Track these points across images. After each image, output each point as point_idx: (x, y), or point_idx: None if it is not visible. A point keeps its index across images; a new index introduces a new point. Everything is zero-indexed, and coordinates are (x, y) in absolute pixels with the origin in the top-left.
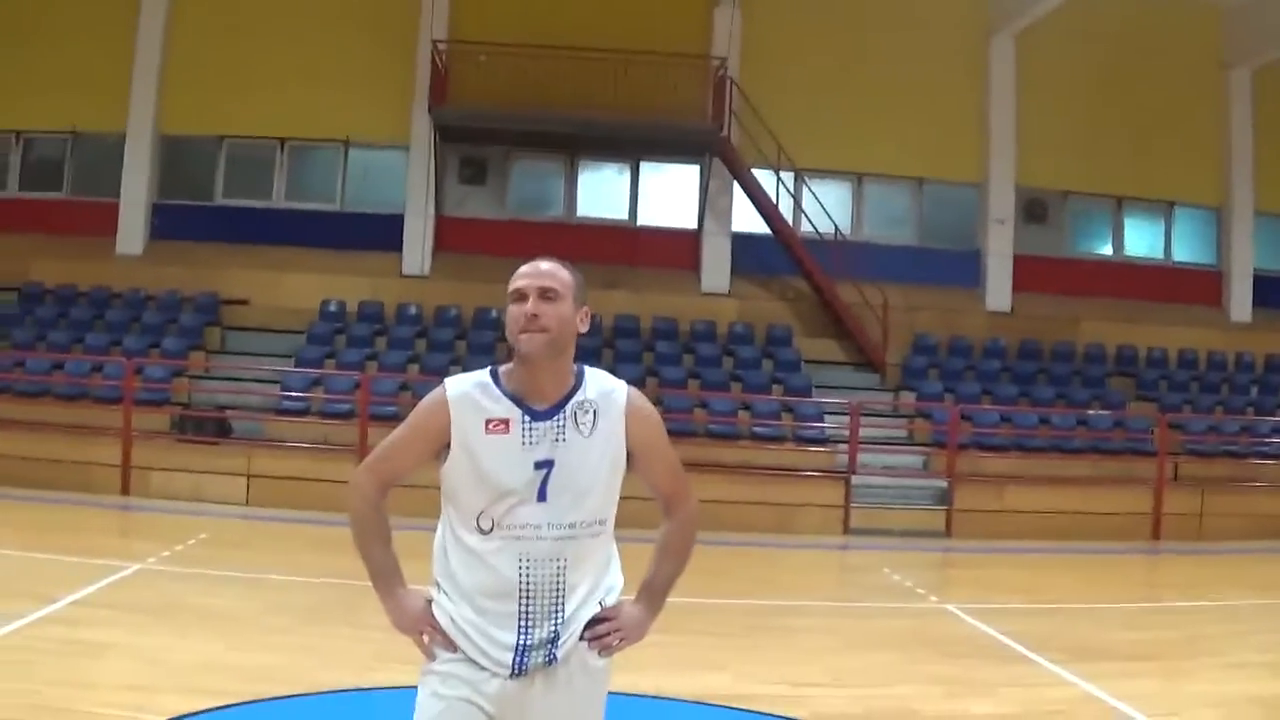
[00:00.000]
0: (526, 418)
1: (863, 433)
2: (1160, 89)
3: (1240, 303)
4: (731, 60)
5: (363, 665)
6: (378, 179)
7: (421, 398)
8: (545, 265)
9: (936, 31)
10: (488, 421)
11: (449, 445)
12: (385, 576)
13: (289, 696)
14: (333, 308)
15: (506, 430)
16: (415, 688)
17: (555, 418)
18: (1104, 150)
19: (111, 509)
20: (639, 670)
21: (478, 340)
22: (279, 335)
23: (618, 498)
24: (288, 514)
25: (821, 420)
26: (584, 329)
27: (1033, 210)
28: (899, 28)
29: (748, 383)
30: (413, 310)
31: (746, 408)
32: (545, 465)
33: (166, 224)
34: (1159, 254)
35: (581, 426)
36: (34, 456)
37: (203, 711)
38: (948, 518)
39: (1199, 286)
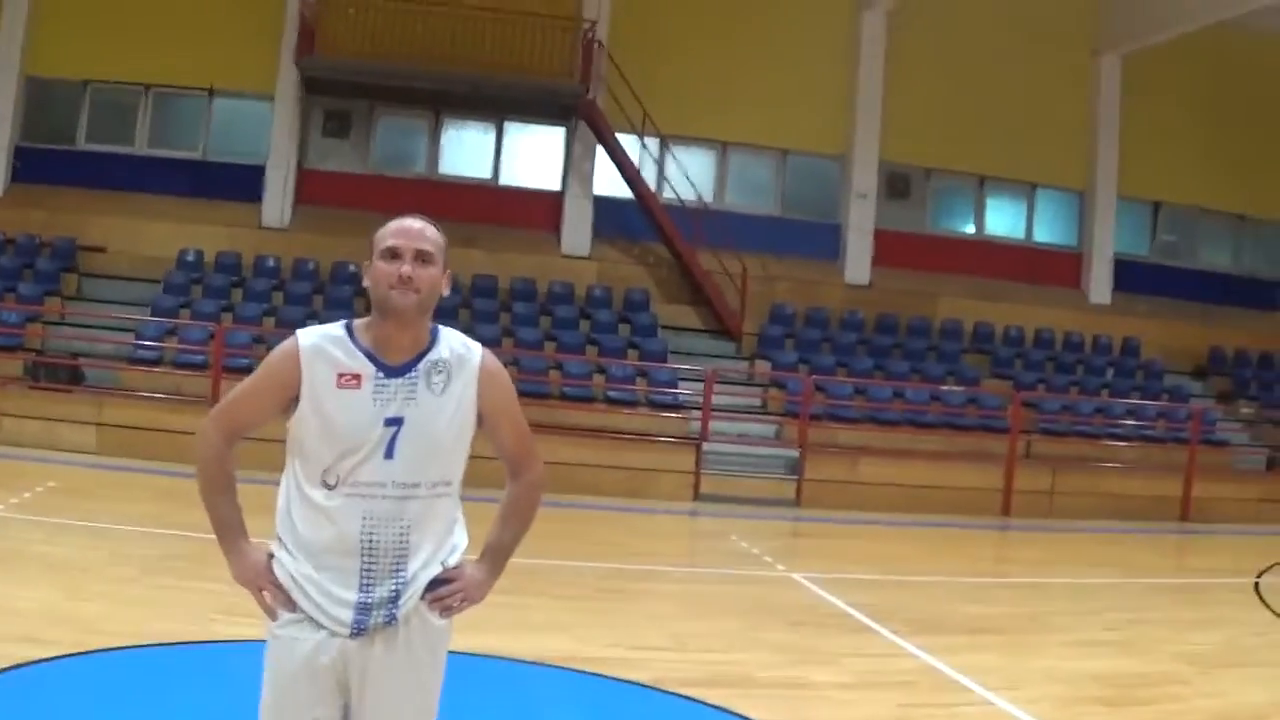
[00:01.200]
0: (380, 374)
1: (716, 400)
2: (1030, 71)
3: (1100, 285)
4: (601, 23)
5: (204, 617)
6: (241, 129)
7: (272, 348)
8: (418, 224)
9: (808, 4)
10: (340, 375)
11: (298, 398)
12: (228, 529)
13: (128, 647)
14: (190, 257)
15: (358, 385)
16: (257, 641)
17: (408, 375)
18: (970, 129)
19: None
20: (481, 630)
21: (335, 295)
22: (136, 284)
23: (465, 459)
24: (137, 464)
25: (676, 386)
26: (447, 292)
27: (895, 185)
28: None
29: (604, 346)
30: (271, 263)
31: (602, 371)
32: (395, 423)
33: (28, 167)
34: (1020, 234)
35: (434, 386)
36: None
37: (41, 660)
38: (798, 487)
39: (1059, 268)
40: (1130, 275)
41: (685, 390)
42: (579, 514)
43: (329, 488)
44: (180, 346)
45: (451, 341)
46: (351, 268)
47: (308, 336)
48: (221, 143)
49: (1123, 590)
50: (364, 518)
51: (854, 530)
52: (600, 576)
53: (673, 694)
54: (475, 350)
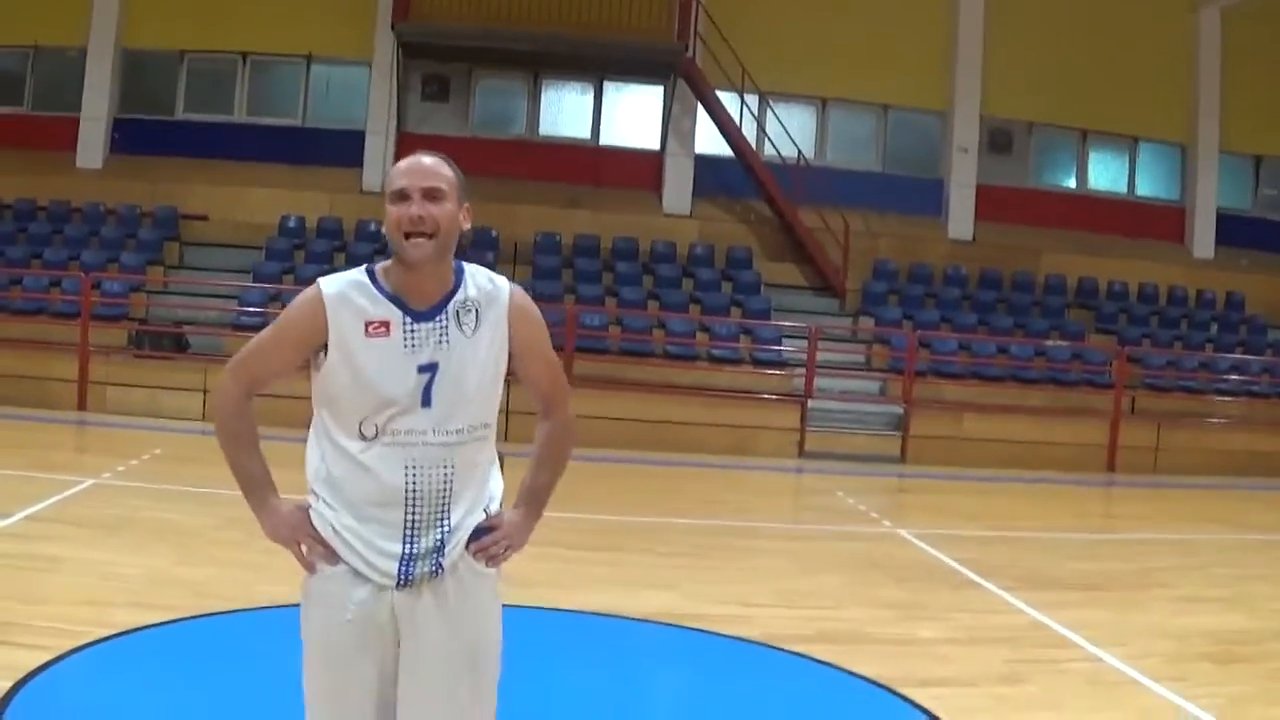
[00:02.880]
0: (408, 319)
1: (820, 357)
2: (1130, 24)
3: (1203, 239)
4: None
5: None
6: (340, 95)
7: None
8: (428, 161)
9: None
10: (367, 324)
11: (324, 349)
12: (255, 484)
13: (237, 610)
14: (292, 223)
15: (387, 333)
16: None
17: (438, 318)
18: (1071, 83)
19: (68, 424)
20: (590, 589)
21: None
22: (238, 251)
23: (499, 400)
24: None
25: (780, 344)
26: (467, 226)
27: (997, 140)
28: None
29: (707, 305)
30: (372, 227)
31: (705, 329)
32: (429, 369)
33: (127, 139)
34: (1122, 188)
35: (464, 327)
36: None
37: (154, 625)
38: (903, 443)
39: (1162, 222)
40: (1233, 229)
41: (789, 348)
42: (684, 471)
43: (367, 439)
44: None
45: (478, 278)
46: None
47: (331, 284)
48: (320, 109)
49: (1230, 546)
50: (406, 467)
51: (959, 486)
52: (707, 534)
53: (782, 650)
54: (503, 286)
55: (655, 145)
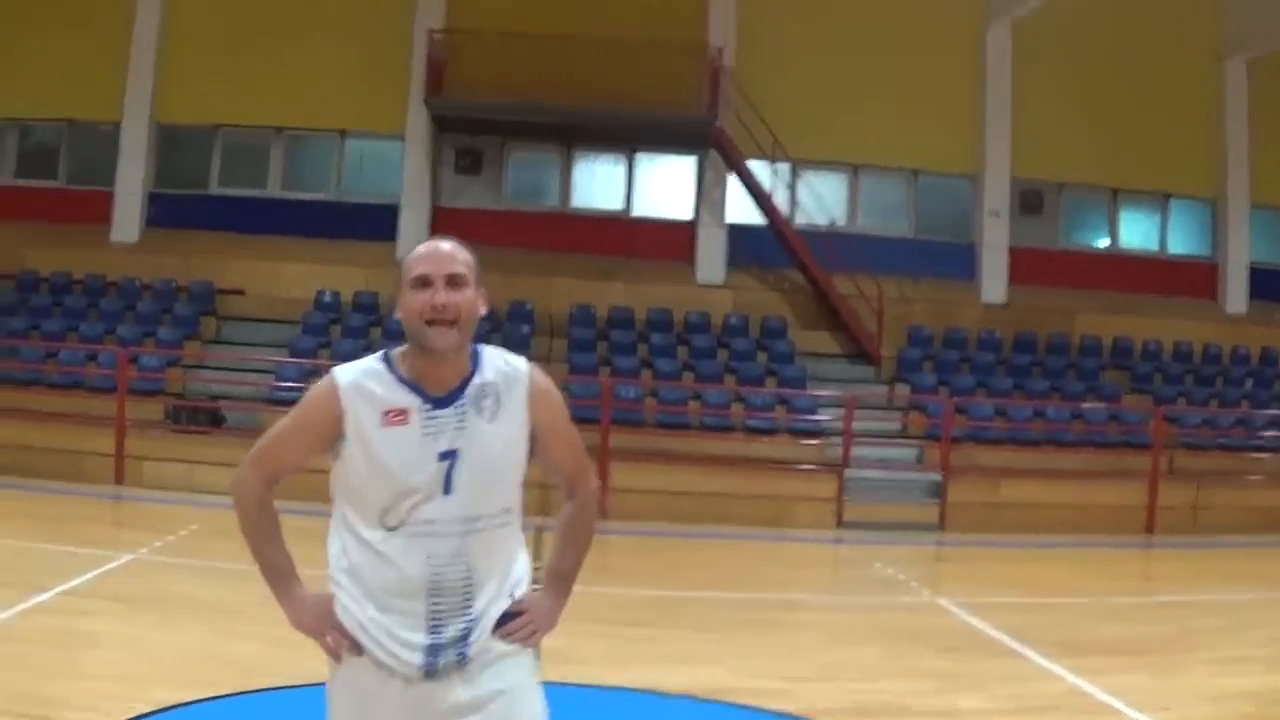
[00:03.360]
0: (426, 406)
1: (857, 425)
2: (1156, 80)
3: (1236, 295)
4: (727, 49)
5: None
6: (374, 169)
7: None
8: (447, 247)
9: (932, 21)
10: (385, 412)
11: (342, 438)
12: (279, 575)
13: (279, 688)
14: (328, 298)
15: (406, 421)
16: None
17: (457, 404)
18: (1099, 142)
19: (105, 498)
20: (633, 664)
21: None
22: (274, 325)
23: (521, 484)
24: (280, 505)
25: (816, 413)
26: (484, 312)
27: (1028, 202)
28: (894, 17)
29: (742, 375)
30: None
31: (741, 400)
32: (449, 456)
33: (162, 213)
34: (1154, 246)
35: (484, 411)
36: (28, 445)
37: (193, 702)
38: (941, 511)
39: (1194, 279)
40: (1266, 283)
41: (825, 416)
42: (722, 544)
43: (389, 529)
44: None
45: (496, 361)
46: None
47: (346, 373)
48: (355, 183)
49: (1271, 606)
50: (428, 557)
51: (998, 553)
52: (747, 607)
53: None
54: (521, 368)
55: (688, 215)
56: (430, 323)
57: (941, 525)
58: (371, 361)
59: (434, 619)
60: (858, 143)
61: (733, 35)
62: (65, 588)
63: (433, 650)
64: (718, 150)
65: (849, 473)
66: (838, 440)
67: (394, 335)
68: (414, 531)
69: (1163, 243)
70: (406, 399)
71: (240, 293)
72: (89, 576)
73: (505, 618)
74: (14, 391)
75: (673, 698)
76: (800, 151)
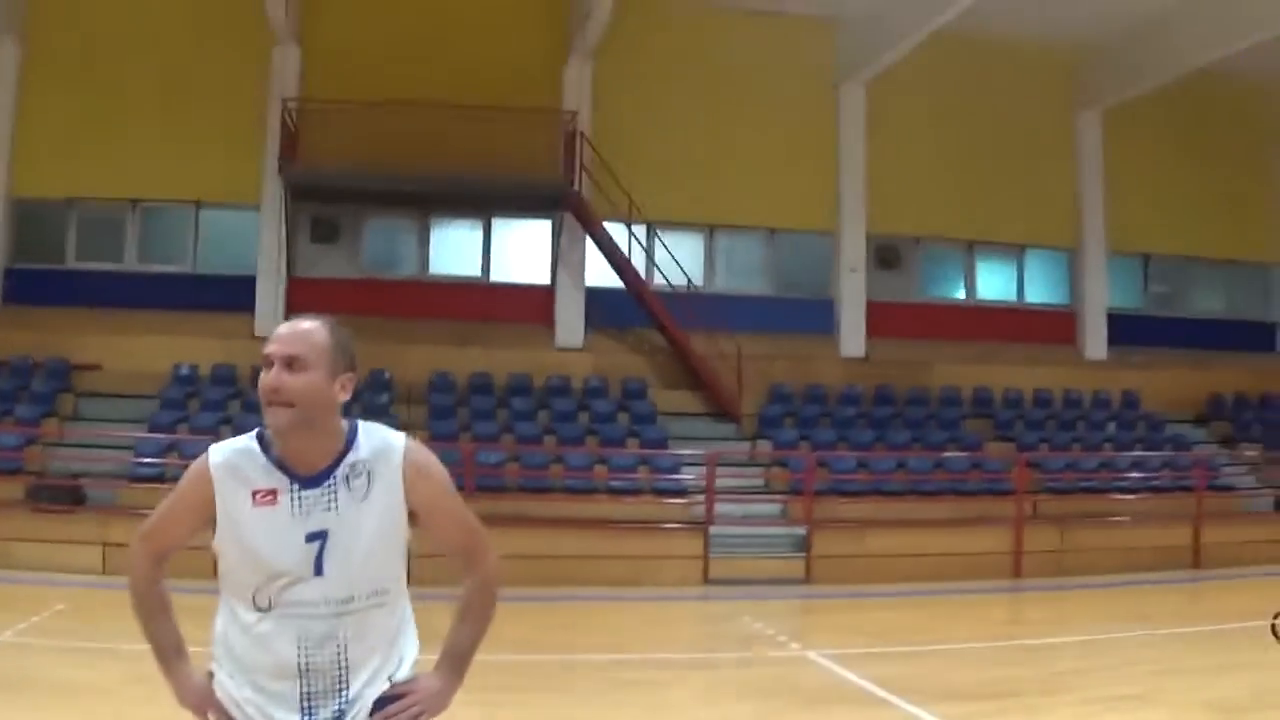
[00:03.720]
0: (295, 486)
1: (720, 482)
2: (1011, 132)
3: (1095, 341)
4: (583, 114)
5: None
6: (230, 240)
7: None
8: (302, 326)
9: (786, 81)
10: (254, 493)
11: (214, 517)
12: (166, 652)
13: None
14: (185, 371)
15: (274, 501)
16: None
17: (326, 483)
18: (955, 196)
19: None
20: None
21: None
22: (132, 400)
23: (403, 562)
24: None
25: (679, 472)
26: (344, 397)
27: (885, 256)
28: (748, 80)
29: (604, 436)
30: None
31: (603, 461)
32: (318, 537)
33: (17, 288)
34: (1012, 296)
35: (355, 490)
36: None
37: None
38: (807, 564)
39: (1053, 326)
40: (1124, 328)
41: (688, 475)
42: (589, 605)
43: (260, 610)
44: (181, 462)
45: (373, 438)
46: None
47: (218, 453)
48: (211, 255)
49: (1141, 642)
50: (299, 639)
51: (866, 603)
52: (616, 668)
53: None
54: (397, 444)
55: (546, 280)
56: (268, 404)
57: (808, 578)
58: (246, 440)
59: (307, 701)
60: (714, 203)
61: (587, 99)
62: None
63: None
64: (574, 214)
65: (714, 530)
66: (701, 498)
67: (253, 408)
68: (285, 613)
69: (1020, 292)
70: (276, 480)
71: (97, 368)
72: None
73: (384, 701)
74: None
75: None
76: (656, 212)
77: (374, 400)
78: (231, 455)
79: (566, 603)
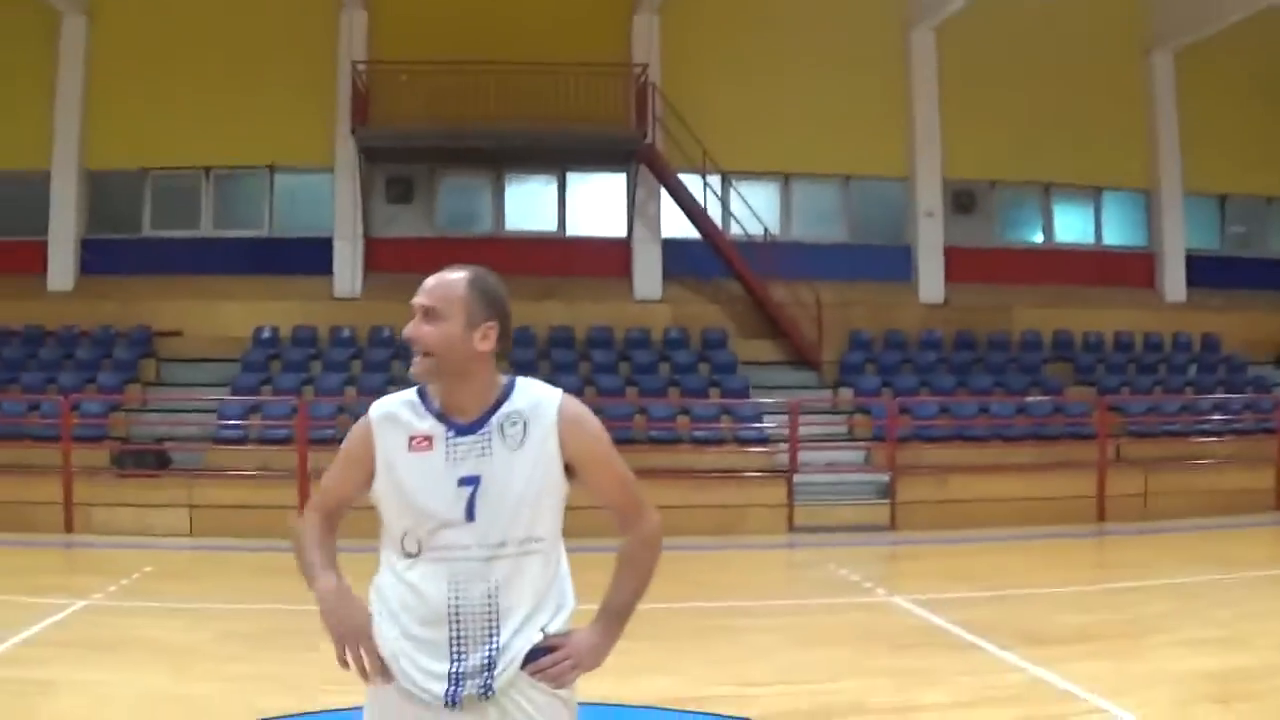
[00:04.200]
0: (450, 433)
1: (803, 431)
2: (1084, 74)
3: (1174, 283)
4: (653, 67)
5: (314, 690)
6: (305, 203)
7: (358, 419)
8: (447, 277)
9: (856, 27)
10: (411, 439)
11: (375, 468)
12: (311, 570)
13: None
14: (266, 334)
15: (430, 447)
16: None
17: (481, 431)
18: (1030, 138)
19: (55, 547)
20: (588, 678)
21: (413, 359)
22: (214, 364)
23: (558, 513)
24: (231, 542)
25: (761, 421)
26: (484, 348)
27: (961, 201)
28: (818, 25)
29: (685, 387)
30: (346, 332)
31: (685, 412)
32: (470, 482)
33: (96, 259)
34: (1090, 239)
35: (509, 439)
36: None
37: None
38: (891, 510)
39: (1132, 269)
40: (1203, 270)
41: (770, 424)
42: (675, 555)
43: (411, 555)
44: (264, 423)
45: (529, 391)
46: None
47: (380, 406)
48: (286, 218)
49: (1225, 586)
50: (449, 582)
51: (951, 549)
52: (702, 615)
53: None
54: (553, 398)
55: (622, 232)
56: (414, 351)
57: (892, 524)
58: (408, 393)
59: (457, 647)
60: (788, 151)
61: (656, 51)
62: (19, 639)
63: (455, 679)
64: (648, 166)
65: (797, 478)
66: (784, 447)
67: (334, 368)
68: (436, 558)
69: (1098, 235)
70: (433, 427)
71: (178, 334)
72: (43, 625)
73: (537, 653)
74: None
75: (635, 708)
76: (730, 162)
77: None
78: (393, 406)
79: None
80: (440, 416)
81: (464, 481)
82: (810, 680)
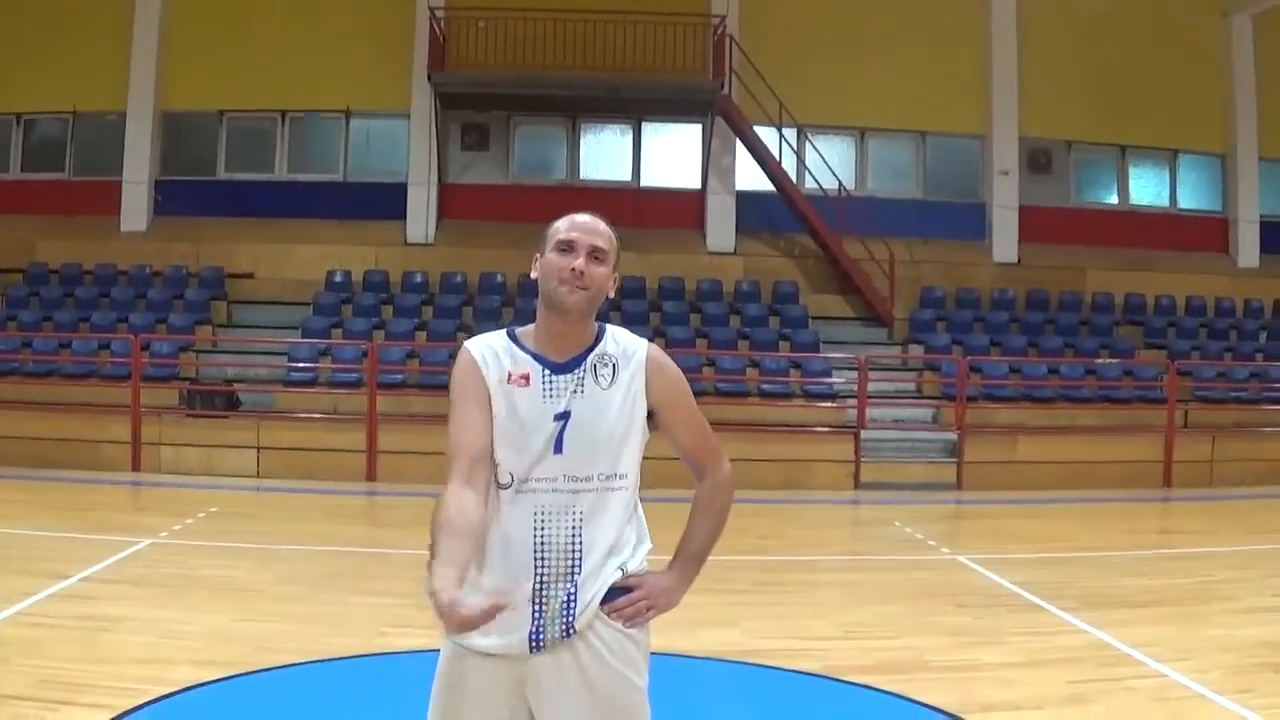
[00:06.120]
0: (547, 371)
1: (871, 387)
2: (1162, 36)
3: (1247, 249)
4: (730, 17)
5: (375, 631)
6: (380, 148)
7: (427, 363)
8: (601, 225)
9: None
10: (510, 374)
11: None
12: (433, 552)
13: (301, 664)
14: (338, 278)
15: (527, 384)
16: (429, 652)
17: (575, 370)
18: (1107, 99)
19: (122, 485)
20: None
21: (484, 306)
22: (285, 307)
23: (638, 455)
24: (298, 484)
25: (830, 376)
26: (613, 294)
27: (1037, 160)
28: None
29: (755, 340)
30: (418, 278)
31: (755, 365)
32: (563, 417)
33: (170, 200)
34: (1164, 202)
35: (600, 379)
36: (44, 436)
37: (216, 680)
38: (958, 470)
39: (1205, 233)
40: (1276, 236)
41: (839, 379)
42: (741, 508)
43: (503, 487)
44: (334, 366)
45: (618, 336)
46: (499, 278)
47: (475, 344)
48: (361, 163)
49: None
50: (535, 513)
51: (1016, 510)
52: (766, 569)
53: (844, 681)
54: (641, 344)
55: (696, 184)
56: (569, 285)
57: (959, 484)
58: (497, 335)
59: (540, 587)
60: (864, 106)
61: (735, 2)
62: (86, 574)
63: (538, 621)
64: (723, 118)
65: (865, 434)
66: (853, 402)
67: (406, 311)
68: (525, 488)
69: (1173, 198)
70: (530, 365)
71: (250, 276)
72: (109, 562)
73: (614, 593)
74: (28, 383)
75: (696, 659)
76: (807, 116)
77: (527, 305)
78: (487, 345)
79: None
80: (535, 356)
81: (557, 417)
82: (871, 636)
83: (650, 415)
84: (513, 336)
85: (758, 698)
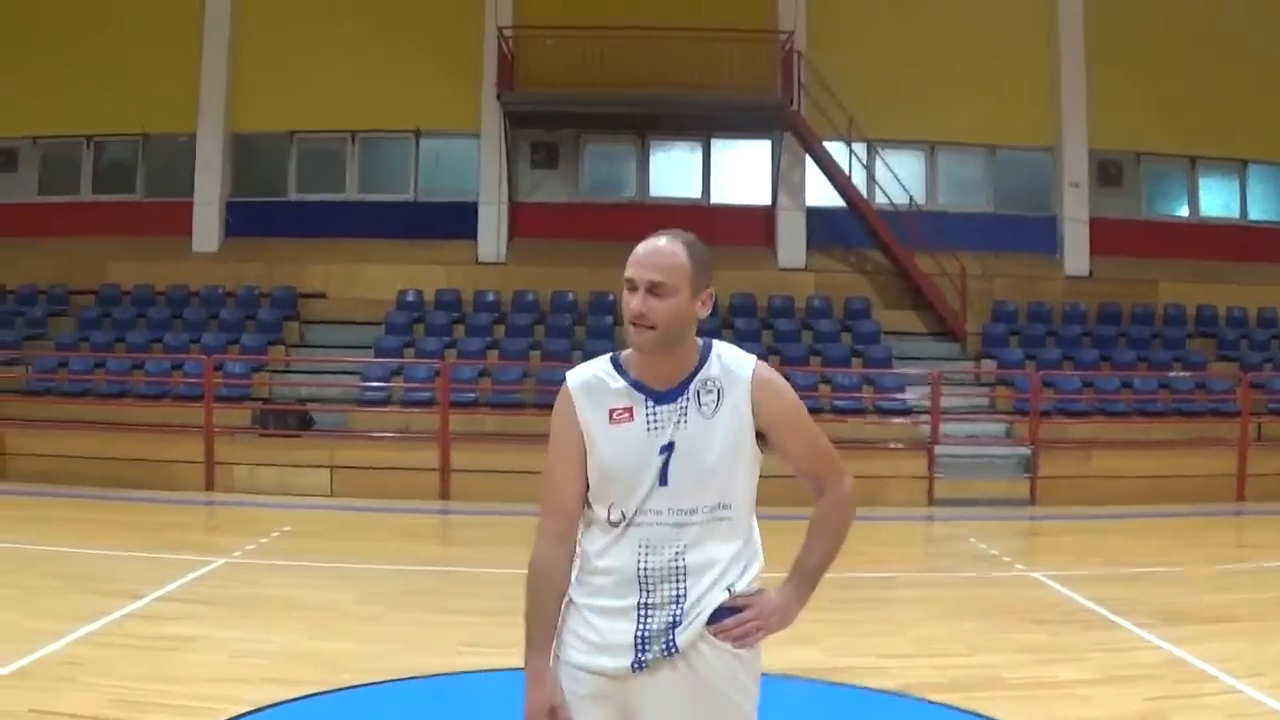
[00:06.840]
0: (650, 402)
1: (944, 402)
2: (1231, 45)
3: None
4: (799, 33)
5: (452, 650)
6: (450, 167)
7: (499, 381)
8: (663, 248)
9: None
10: (612, 411)
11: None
12: (538, 641)
13: (376, 683)
14: (410, 297)
15: (631, 418)
16: (506, 670)
17: (679, 400)
18: (1176, 109)
19: (196, 505)
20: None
21: (556, 324)
22: (358, 327)
23: (751, 481)
24: (372, 504)
25: (903, 391)
26: (705, 314)
27: (1107, 172)
28: None
29: (827, 356)
30: (490, 297)
31: (827, 381)
32: (667, 449)
33: (241, 221)
34: (1235, 213)
35: (704, 407)
36: (117, 456)
37: (288, 700)
38: (1032, 485)
39: (1277, 244)
40: None
41: (912, 395)
42: None
43: (612, 523)
44: (406, 385)
45: (724, 357)
46: (570, 296)
47: (576, 376)
48: (431, 183)
49: None
50: (640, 546)
51: (1090, 525)
52: (841, 586)
53: (920, 699)
54: (747, 363)
55: (766, 200)
56: (633, 324)
57: (1032, 499)
58: (600, 363)
59: (644, 609)
60: (934, 120)
61: (803, 18)
62: (159, 594)
63: (642, 642)
64: (793, 133)
65: (939, 450)
66: (926, 418)
67: (478, 330)
68: (631, 523)
69: (1243, 209)
70: (632, 397)
71: (322, 296)
72: (183, 581)
73: (723, 613)
74: (102, 404)
75: (772, 677)
76: (876, 131)
77: (599, 323)
78: (588, 378)
79: (790, 521)
80: (637, 385)
81: (662, 450)
82: (946, 654)
83: (761, 435)
84: (615, 363)
85: (835, 716)
